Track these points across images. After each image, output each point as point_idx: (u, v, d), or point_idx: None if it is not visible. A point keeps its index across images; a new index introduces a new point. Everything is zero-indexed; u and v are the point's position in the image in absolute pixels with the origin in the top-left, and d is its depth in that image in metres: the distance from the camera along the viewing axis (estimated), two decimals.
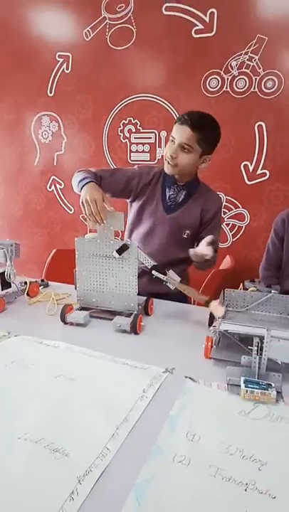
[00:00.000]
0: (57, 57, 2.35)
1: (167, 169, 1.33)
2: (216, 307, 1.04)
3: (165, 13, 2.02)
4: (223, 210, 2.11)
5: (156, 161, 2.21)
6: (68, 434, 0.68)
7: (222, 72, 1.97)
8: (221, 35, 1.94)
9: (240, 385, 0.78)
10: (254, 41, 1.87)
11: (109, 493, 0.56)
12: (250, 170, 2.02)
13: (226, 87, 1.97)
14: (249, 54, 1.90)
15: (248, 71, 1.92)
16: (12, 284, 1.30)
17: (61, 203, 2.61)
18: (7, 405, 0.76)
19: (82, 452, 0.63)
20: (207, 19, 1.94)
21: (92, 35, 2.23)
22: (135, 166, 1.44)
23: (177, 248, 1.38)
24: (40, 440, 0.66)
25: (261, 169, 1.99)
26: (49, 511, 0.53)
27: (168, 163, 1.30)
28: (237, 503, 0.54)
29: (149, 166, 1.44)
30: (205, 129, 1.24)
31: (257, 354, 0.82)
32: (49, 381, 0.84)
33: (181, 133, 1.24)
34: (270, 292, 1.09)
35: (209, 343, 0.93)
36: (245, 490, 0.57)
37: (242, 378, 0.79)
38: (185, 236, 1.38)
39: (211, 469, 0.60)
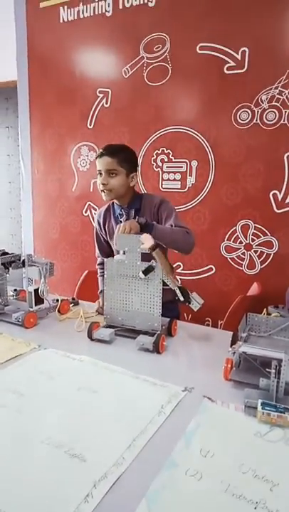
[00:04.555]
0: (97, 93, 2.53)
1: (105, 197, 1.49)
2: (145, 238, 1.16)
3: (199, 52, 2.15)
4: (251, 237, 2.13)
5: (186, 189, 2.28)
6: (87, 441, 0.72)
7: (252, 106, 2.04)
8: (252, 71, 2.02)
9: (257, 407, 0.79)
10: (284, 76, 1.94)
11: (122, 499, 0.59)
12: (279, 198, 2.03)
13: (256, 120, 2.04)
14: (279, 88, 1.96)
15: (278, 104, 1.97)
16: (45, 300, 1.38)
17: None
18: (33, 411, 0.81)
19: (100, 459, 0.67)
20: (239, 57, 2.04)
21: (130, 73, 2.40)
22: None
23: (151, 255, 1.29)
24: (60, 445, 0.70)
25: None
26: (65, 511, 0.56)
27: (103, 192, 1.47)
28: None
29: (98, 213, 1.66)
30: (120, 153, 1.44)
31: (275, 377, 0.83)
32: (72, 392, 0.89)
33: (103, 163, 1.43)
34: None
35: (229, 365, 0.94)
36: (255, 508, 0.57)
37: (259, 401, 0.80)
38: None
39: (222, 485, 0.62)
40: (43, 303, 1.38)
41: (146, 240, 1.17)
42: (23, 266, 1.39)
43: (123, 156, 1.44)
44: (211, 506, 0.58)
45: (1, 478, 0.62)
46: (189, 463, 0.66)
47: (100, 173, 1.46)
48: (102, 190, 1.48)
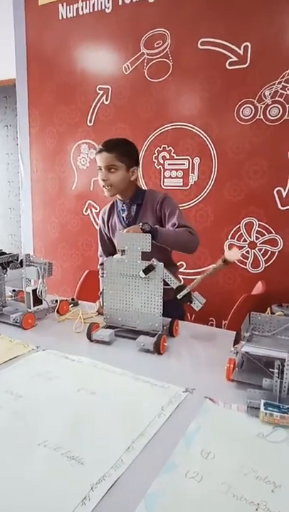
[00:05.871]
0: (97, 90, 2.51)
1: (107, 193, 1.48)
2: (232, 252, 1.14)
3: (200, 47, 2.12)
4: (255, 234, 2.11)
5: (188, 187, 2.26)
6: (85, 444, 0.70)
7: (255, 101, 2.01)
8: (254, 66, 2.00)
9: (260, 408, 0.76)
10: (287, 71, 1.91)
11: (120, 502, 0.57)
12: (284, 195, 2.01)
13: (259, 115, 2.01)
14: (283, 83, 1.93)
15: (281, 99, 1.95)
16: (43, 301, 1.36)
17: (96, 226, 2.70)
18: (30, 414, 0.79)
19: (97, 462, 0.65)
20: (241, 52, 2.01)
21: (131, 69, 2.37)
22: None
23: (155, 255, 1.26)
24: (58, 448, 0.68)
25: None
26: None
27: (104, 188, 1.46)
28: None
29: (103, 210, 1.65)
30: (119, 148, 1.43)
31: (278, 377, 0.80)
32: (71, 393, 0.87)
33: (102, 159, 1.42)
34: None
35: (231, 365, 0.92)
36: (256, 510, 0.55)
37: (262, 401, 0.77)
38: (155, 241, 1.31)
39: (222, 487, 0.60)
40: (41, 303, 1.36)
41: (235, 255, 1.17)
42: (21, 266, 1.38)
43: (122, 151, 1.43)
44: (212, 508, 0.56)
45: None
46: (189, 464, 0.64)
47: (100, 169, 1.45)
48: (103, 186, 1.47)
